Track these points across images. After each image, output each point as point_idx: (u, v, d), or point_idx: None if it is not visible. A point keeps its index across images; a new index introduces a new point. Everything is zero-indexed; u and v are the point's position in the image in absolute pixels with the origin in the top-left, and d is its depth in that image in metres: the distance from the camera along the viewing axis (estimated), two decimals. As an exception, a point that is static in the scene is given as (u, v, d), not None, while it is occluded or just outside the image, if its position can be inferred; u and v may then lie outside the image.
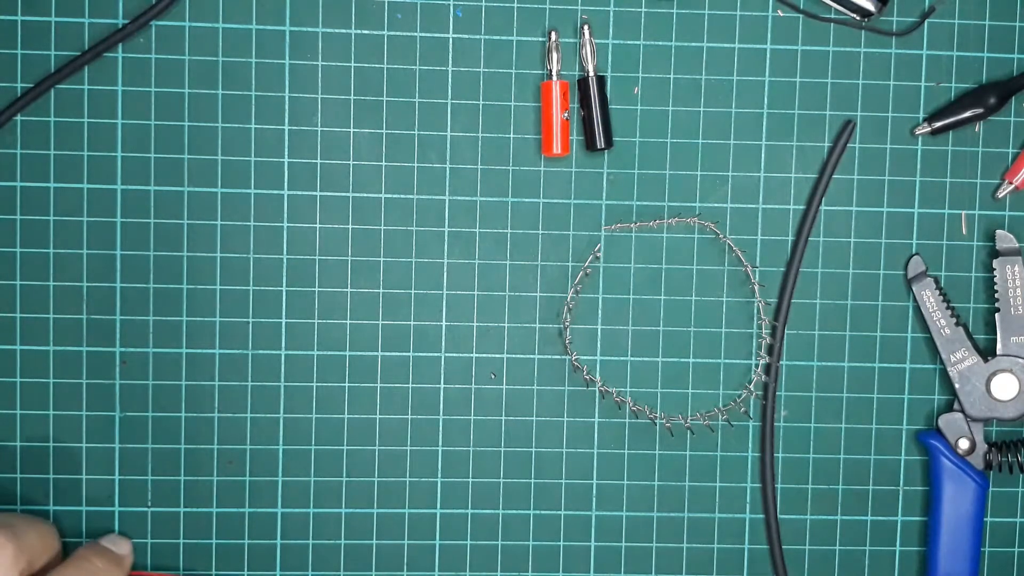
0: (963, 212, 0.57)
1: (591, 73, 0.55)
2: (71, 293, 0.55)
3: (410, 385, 0.56)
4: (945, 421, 0.57)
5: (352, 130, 0.55)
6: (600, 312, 0.57)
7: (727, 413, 0.57)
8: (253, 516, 0.56)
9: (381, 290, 0.56)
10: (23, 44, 0.54)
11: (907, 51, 0.57)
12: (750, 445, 0.58)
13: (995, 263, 0.56)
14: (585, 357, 0.57)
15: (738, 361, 0.57)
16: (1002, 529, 0.59)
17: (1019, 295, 0.56)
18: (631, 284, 0.57)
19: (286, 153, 0.55)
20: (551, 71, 0.55)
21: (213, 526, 0.56)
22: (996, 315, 0.56)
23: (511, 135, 0.56)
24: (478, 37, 0.55)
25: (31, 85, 0.54)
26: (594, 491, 0.57)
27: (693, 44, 0.56)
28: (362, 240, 0.56)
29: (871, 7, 0.55)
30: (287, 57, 0.55)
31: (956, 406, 0.57)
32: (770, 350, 0.57)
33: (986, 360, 0.56)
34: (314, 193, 0.55)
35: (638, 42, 0.56)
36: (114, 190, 0.55)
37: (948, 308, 0.57)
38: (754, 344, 0.57)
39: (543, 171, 0.56)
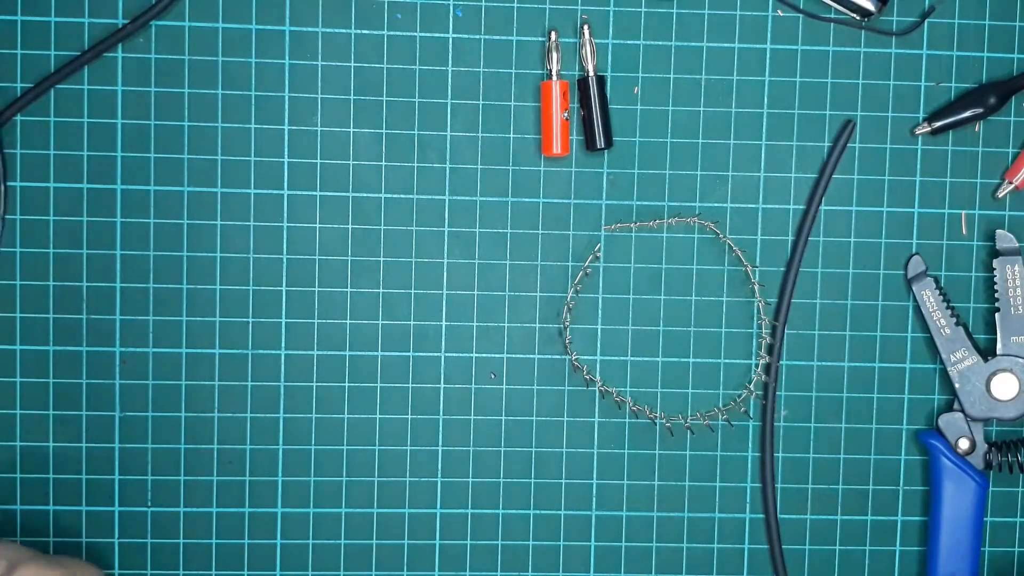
0: (963, 212, 0.57)
1: (591, 73, 0.55)
2: (71, 293, 0.55)
3: (410, 385, 0.56)
4: (945, 421, 0.57)
5: (352, 130, 0.55)
6: (600, 312, 0.57)
7: (727, 413, 0.57)
8: (253, 516, 0.56)
9: (381, 290, 0.56)
10: (23, 44, 0.54)
11: (907, 51, 0.57)
12: (750, 445, 0.58)
13: (995, 263, 0.56)
14: (585, 357, 0.57)
15: (738, 361, 0.57)
16: (1002, 529, 0.59)
17: (1019, 295, 0.56)
18: (631, 284, 0.57)
19: (286, 153, 0.55)
20: (551, 71, 0.55)
21: (213, 526, 0.56)
22: (996, 315, 0.56)
23: (511, 135, 0.56)
24: (478, 37, 0.55)
25: (31, 85, 0.54)
26: (594, 491, 0.57)
27: (693, 44, 0.56)
28: (362, 240, 0.56)
29: (871, 7, 0.55)
30: (287, 57, 0.55)
31: (956, 406, 0.57)
32: (770, 350, 0.57)
33: (986, 360, 0.56)
34: (314, 193, 0.55)
35: (638, 42, 0.56)
36: (114, 190, 0.55)
37: (948, 308, 0.57)
38: (754, 344, 0.57)
39: (543, 171, 0.56)
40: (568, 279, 0.56)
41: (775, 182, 0.57)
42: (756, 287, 0.57)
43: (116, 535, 0.56)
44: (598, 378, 0.57)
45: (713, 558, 0.58)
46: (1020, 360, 0.56)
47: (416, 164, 0.56)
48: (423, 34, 0.55)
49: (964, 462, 0.57)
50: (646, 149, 0.56)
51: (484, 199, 0.56)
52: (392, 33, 0.55)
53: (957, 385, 0.57)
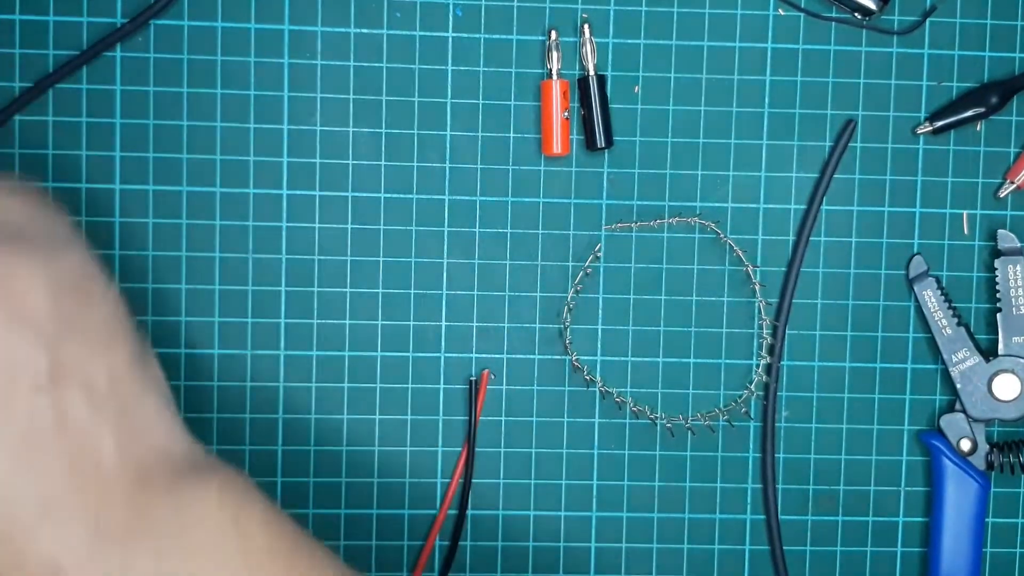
0: (965, 212, 0.57)
1: (591, 72, 0.55)
2: (70, 293, 0.55)
3: (410, 385, 0.56)
4: (946, 421, 0.57)
5: (351, 130, 0.55)
6: (600, 312, 0.57)
7: (728, 413, 0.57)
8: (252, 517, 0.56)
9: (381, 290, 0.56)
10: (21, 44, 0.54)
11: (908, 50, 0.56)
12: (751, 446, 0.57)
13: (997, 263, 0.56)
14: (585, 357, 0.57)
15: (739, 361, 0.57)
16: (1004, 530, 0.58)
17: (1021, 295, 0.56)
18: (631, 284, 0.56)
19: (285, 153, 0.55)
20: (551, 70, 0.55)
21: (212, 527, 0.56)
22: (998, 315, 0.56)
23: (511, 134, 0.56)
24: (478, 36, 0.55)
25: (30, 85, 0.54)
26: (594, 492, 0.57)
27: (693, 43, 0.56)
28: (362, 240, 0.56)
29: (872, 6, 0.55)
30: (286, 56, 0.55)
31: (958, 406, 0.57)
32: (771, 350, 0.57)
33: (988, 360, 0.56)
34: (313, 193, 0.55)
35: (638, 41, 0.56)
36: (112, 190, 0.55)
37: (950, 308, 0.56)
38: (755, 344, 0.57)
39: (543, 171, 0.56)
40: (568, 279, 0.56)
41: (776, 182, 0.57)
42: (757, 287, 0.56)
43: (115, 536, 0.56)
44: (598, 378, 0.57)
45: (714, 559, 0.58)
46: (1022, 360, 0.56)
47: (416, 164, 0.56)
48: (423, 33, 0.55)
49: (966, 463, 0.56)
50: (646, 149, 0.56)
51: (484, 199, 0.56)
52: (392, 32, 0.55)
53: (959, 385, 0.56)
